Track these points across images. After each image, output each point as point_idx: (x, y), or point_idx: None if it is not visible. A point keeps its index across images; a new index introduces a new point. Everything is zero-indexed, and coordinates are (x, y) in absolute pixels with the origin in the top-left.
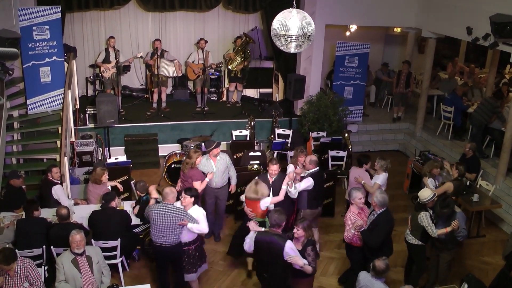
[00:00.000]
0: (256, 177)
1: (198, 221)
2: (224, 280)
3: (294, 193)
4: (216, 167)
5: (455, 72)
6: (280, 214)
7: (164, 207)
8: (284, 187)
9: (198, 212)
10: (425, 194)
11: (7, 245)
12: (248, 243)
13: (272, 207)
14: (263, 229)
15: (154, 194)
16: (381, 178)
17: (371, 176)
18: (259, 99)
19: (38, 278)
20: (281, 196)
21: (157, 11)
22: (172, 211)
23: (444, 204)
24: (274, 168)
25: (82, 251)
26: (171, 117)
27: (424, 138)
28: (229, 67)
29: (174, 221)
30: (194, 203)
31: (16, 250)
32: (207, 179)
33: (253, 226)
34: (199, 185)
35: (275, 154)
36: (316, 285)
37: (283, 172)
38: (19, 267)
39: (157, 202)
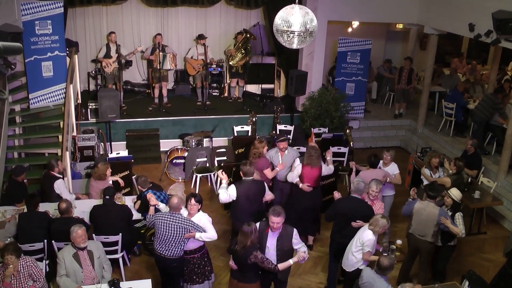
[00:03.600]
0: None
1: (205, 228)
2: (225, 276)
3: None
4: (282, 160)
5: (457, 68)
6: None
7: (171, 217)
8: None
9: (203, 219)
10: (458, 193)
11: (9, 239)
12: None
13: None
14: None
15: (153, 201)
16: (395, 167)
17: None
18: (260, 95)
19: (40, 274)
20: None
21: (159, 7)
22: (179, 222)
23: (432, 187)
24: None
25: (85, 246)
26: (172, 112)
27: (426, 135)
28: (230, 63)
29: (181, 232)
30: (199, 210)
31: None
32: (277, 169)
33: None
34: (268, 173)
35: None
36: (317, 281)
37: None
38: (21, 265)
39: (156, 209)
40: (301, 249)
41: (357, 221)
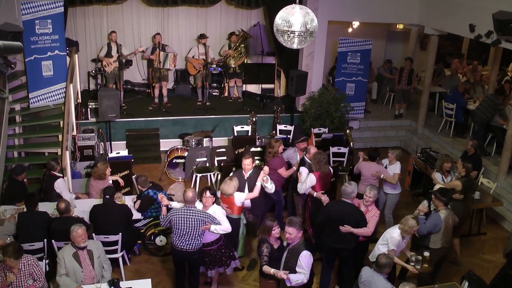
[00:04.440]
0: (231, 173)
1: (220, 221)
2: (225, 276)
3: (270, 188)
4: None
5: (458, 69)
6: (296, 218)
7: (188, 211)
8: (258, 183)
9: (218, 211)
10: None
11: (8, 238)
12: (308, 271)
13: (248, 203)
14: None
15: (165, 201)
16: (398, 168)
17: None
18: (261, 95)
19: (41, 274)
20: (255, 193)
21: (160, 6)
22: (195, 214)
23: (444, 192)
24: (247, 163)
25: (85, 245)
26: (172, 112)
27: (426, 135)
28: (232, 65)
29: (198, 224)
30: (213, 202)
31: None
32: (294, 168)
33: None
34: (283, 172)
35: None
36: (317, 281)
37: (258, 168)
38: (23, 264)
39: (168, 208)
40: (295, 275)
41: (345, 226)
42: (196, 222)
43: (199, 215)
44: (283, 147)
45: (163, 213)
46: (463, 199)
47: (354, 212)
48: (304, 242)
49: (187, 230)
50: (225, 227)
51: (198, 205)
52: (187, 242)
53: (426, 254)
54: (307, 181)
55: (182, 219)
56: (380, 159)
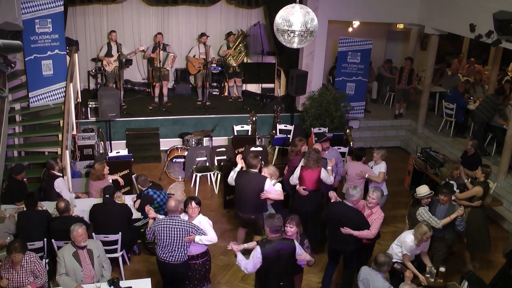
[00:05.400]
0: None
1: (205, 231)
2: (225, 275)
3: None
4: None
5: (458, 69)
6: (278, 219)
7: (170, 220)
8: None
9: (204, 221)
10: (423, 190)
11: (8, 237)
12: (251, 263)
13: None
14: None
15: (152, 213)
16: (383, 167)
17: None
18: (261, 94)
19: (43, 271)
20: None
21: (160, 6)
22: (179, 224)
23: (449, 186)
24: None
25: (85, 245)
26: (172, 111)
27: (426, 135)
28: (234, 64)
29: (182, 235)
30: (199, 212)
31: None
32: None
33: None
34: None
35: (276, 149)
36: (317, 281)
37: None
38: (25, 261)
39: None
40: (242, 258)
41: (345, 228)
42: (179, 232)
43: (183, 225)
44: (306, 147)
45: (149, 226)
46: (481, 206)
47: (352, 215)
48: (272, 244)
49: (169, 240)
50: (210, 237)
51: (183, 217)
52: (170, 253)
53: (442, 269)
54: (295, 172)
55: (165, 229)
56: (368, 160)
